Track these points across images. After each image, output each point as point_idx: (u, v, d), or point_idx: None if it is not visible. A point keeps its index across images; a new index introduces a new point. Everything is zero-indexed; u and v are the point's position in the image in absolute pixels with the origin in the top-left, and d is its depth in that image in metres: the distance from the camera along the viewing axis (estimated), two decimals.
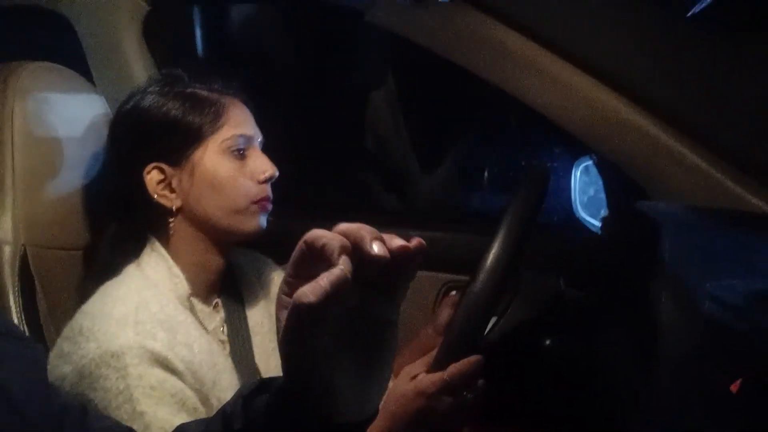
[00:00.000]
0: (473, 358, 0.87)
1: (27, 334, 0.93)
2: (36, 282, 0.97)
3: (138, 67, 1.26)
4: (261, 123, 1.03)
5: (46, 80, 1.07)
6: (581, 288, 1.03)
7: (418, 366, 0.91)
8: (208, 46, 1.54)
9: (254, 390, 0.60)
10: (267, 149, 1.02)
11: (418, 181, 1.68)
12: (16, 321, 0.93)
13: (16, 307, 0.94)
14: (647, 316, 0.81)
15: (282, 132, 1.56)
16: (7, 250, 0.96)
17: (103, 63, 1.27)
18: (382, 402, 0.89)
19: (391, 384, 1.04)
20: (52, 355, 0.88)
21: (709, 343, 0.69)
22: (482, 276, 0.86)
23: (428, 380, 0.87)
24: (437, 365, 0.88)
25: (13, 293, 0.94)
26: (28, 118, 1.01)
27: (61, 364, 0.86)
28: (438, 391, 0.87)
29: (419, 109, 1.65)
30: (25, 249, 0.97)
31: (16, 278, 0.95)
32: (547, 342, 0.96)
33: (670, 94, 1.01)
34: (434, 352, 0.90)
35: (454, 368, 0.87)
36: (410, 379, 0.90)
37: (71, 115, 1.08)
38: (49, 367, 0.87)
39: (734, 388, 0.63)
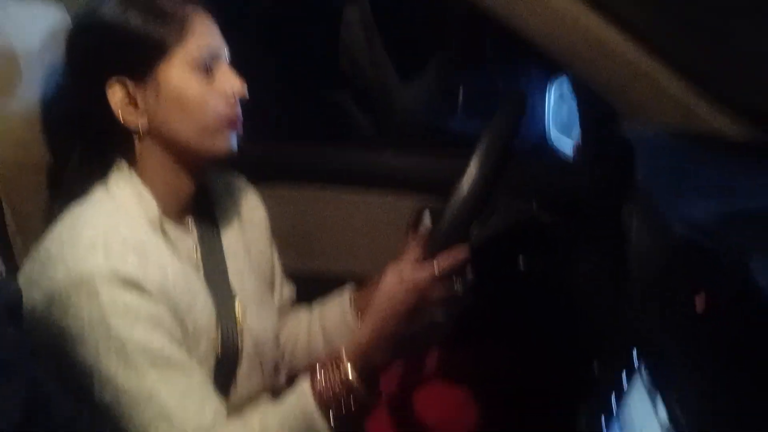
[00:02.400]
0: (461, 248, 0.88)
1: None
2: (3, 201, 0.94)
3: None
4: (232, 39, 0.99)
5: None
6: (553, 211, 1.05)
7: (403, 264, 0.92)
8: None
9: None
10: (238, 67, 0.99)
11: (394, 100, 1.66)
12: None
13: None
14: (619, 238, 0.82)
15: (254, 53, 1.52)
16: None
17: None
18: (371, 303, 0.92)
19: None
20: (21, 281, 0.86)
21: (677, 262, 0.71)
22: (469, 174, 0.88)
23: (419, 272, 0.88)
24: (424, 258, 0.89)
25: None
26: None
27: (30, 289, 0.84)
28: (429, 281, 0.87)
29: (395, 25, 1.62)
30: None
31: None
32: (521, 259, 0.98)
33: (651, 19, 1.00)
34: (417, 251, 0.91)
35: (443, 257, 0.88)
36: (397, 275, 0.90)
37: (30, 27, 1.03)
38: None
39: (699, 305, 0.65)
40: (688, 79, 0.96)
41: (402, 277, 0.89)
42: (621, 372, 0.72)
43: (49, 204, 0.94)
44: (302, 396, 0.89)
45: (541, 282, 1.02)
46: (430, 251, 0.89)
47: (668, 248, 0.73)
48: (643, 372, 0.69)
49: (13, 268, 0.89)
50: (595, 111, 1.12)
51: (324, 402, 0.88)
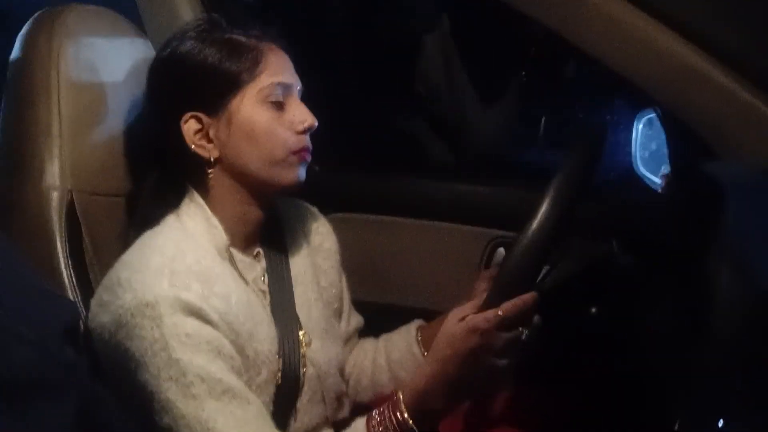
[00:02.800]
0: (529, 295, 0.84)
1: (73, 277, 0.95)
2: (82, 227, 0.98)
3: (186, 12, 1.23)
4: (307, 69, 1.00)
5: (92, 24, 1.06)
6: (635, 250, 0.99)
7: (467, 308, 0.89)
8: None
9: None
10: (313, 97, 1.00)
11: (473, 129, 1.63)
12: (62, 265, 0.94)
13: (62, 252, 0.95)
14: (702, 287, 0.76)
15: (330, 79, 1.53)
16: (55, 195, 0.97)
17: (153, 7, 1.26)
18: (432, 346, 0.89)
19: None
20: (93, 303, 0.89)
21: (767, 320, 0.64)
22: (539, 217, 0.84)
23: (481, 317, 0.84)
24: (490, 304, 0.85)
25: (60, 238, 0.96)
26: (75, 63, 1.01)
27: (100, 313, 0.87)
28: (492, 327, 0.84)
29: (475, 53, 1.59)
30: (71, 194, 0.98)
31: (63, 223, 0.96)
32: (593, 309, 0.92)
33: (747, 44, 0.92)
34: (483, 296, 0.88)
35: (509, 304, 0.84)
36: (459, 320, 0.87)
37: (117, 59, 1.08)
38: (90, 315, 0.89)
39: None
40: None
41: (464, 321, 0.86)
42: None
43: (123, 230, 0.97)
44: None
45: (614, 329, 0.95)
46: (492, 301, 0.85)
47: (757, 304, 0.66)
48: None
49: (89, 293, 0.93)
50: (686, 144, 1.05)
51: None
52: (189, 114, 0.93)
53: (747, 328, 0.67)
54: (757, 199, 0.79)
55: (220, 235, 0.94)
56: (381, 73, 1.62)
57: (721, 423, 0.64)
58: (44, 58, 0.99)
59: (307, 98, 0.99)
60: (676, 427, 0.76)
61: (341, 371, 1.07)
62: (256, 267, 1.00)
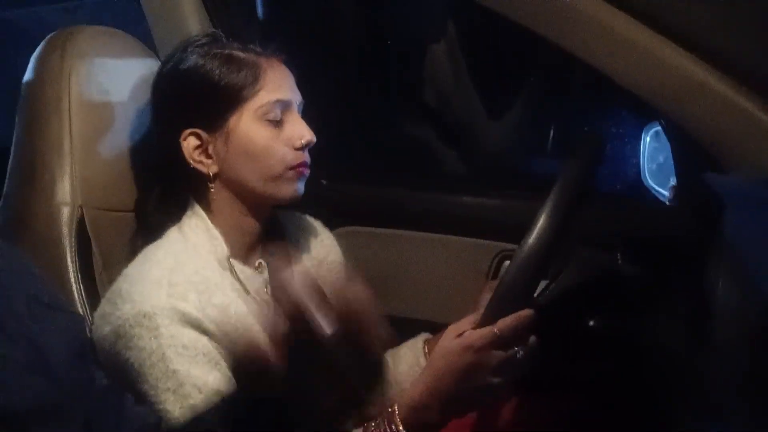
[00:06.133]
0: (525, 312, 0.83)
1: (82, 291, 0.96)
2: (92, 242, 1.01)
3: (195, 31, 1.26)
4: (315, 81, 1.01)
5: (103, 44, 1.09)
6: (639, 262, 0.98)
7: (464, 324, 0.89)
8: (269, 11, 1.52)
9: None
10: (320, 110, 1.01)
11: (481, 138, 1.63)
12: (72, 279, 0.97)
13: (73, 266, 0.97)
14: (704, 298, 0.75)
15: (337, 92, 1.54)
16: (66, 211, 0.99)
17: (164, 28, 1.28)
18: (428, 360, 0.88)
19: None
20: (96, 315, 0.91)
21: (766, 330, 0.64)
22: (535, 233, 0.83)
23: (477, 334, 0.84)
24: (486, 321, 0.85)
25: (71, 253, 0.98)
26: (86, 83, 1.04)
27: (102, 325, 0.89)
28: (487, 344, 0.83)
29: (483, 63, 1.59)
30: (82, 210, 1.01)
31: (73, 238, 0.98)
32: (591, 322, 0.91)
33: (748, 54, 0.92)
34: (481, 311, 0.87)
35: (504, 321, 0.83)
36: (456, 335, 0.87)
37: (127, 79, 1.10)
38: (93, 327, 0.91)
39: None
40: None
41: (461, 337, 0.86)
42: None
43: (130, 244, 0.99)
44: None
45: (615, 340, 0.94)
46: (488, 318, 0.84)
47: (756, 314, 0.66)
48: None
49: (97, 305, 0.94)
50: (691, 156, 1.05)
51: None
52: (188, 131, 0.95)
53: (745, 338, 0.66)
54: (755, 210, 0.79)
55: (221, 246, 0.96)
56: (389, 84, 1.63)
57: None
58: (56, 77, 1.02)
59: (314, 111, 1.00)
60: None
61: None
62: (258, 278, 1.01)
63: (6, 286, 0.64)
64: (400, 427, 0.85)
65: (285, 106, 0.97)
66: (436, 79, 1.61)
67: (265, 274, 1.02)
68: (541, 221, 0.83)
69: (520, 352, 0.84)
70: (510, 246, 1.28)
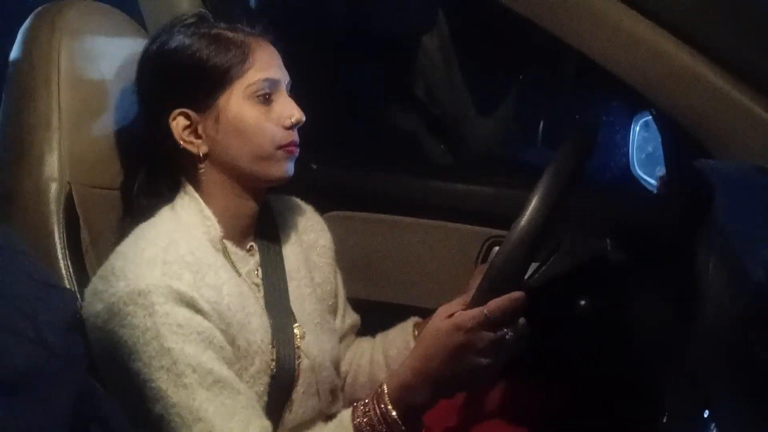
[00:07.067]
0: (515, 294, 0.84)
1: (70, 268, 0.96)
2: (80, 218, 1.00)
3: (185, 9, 1.24)
4: (305, 67, 1.00)
5: (92, 20, 1.08)
6: (628, 249, 0.99)
7: (455, 305, 0.89)
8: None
9: None
10: (310, 95, 1.00)
11: (471, 129, 1.64)
12: (60, 255, 0.96)
13: (60, 242, 0.96)
14: (692, 282, 0.76)
15: (328, 77, 1.54)
16: (54, 187, 0.98)
17: (153, 3, 1.27)
18: (418, 340, 0.88)
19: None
20: (88, 292, 0.90)
21: (755, 313, 0.65)
22: (527, 214, 0.83)
23: (467, 315, 0.84)
24: (476, 302, 0.85)
25: (58, 229, 0.97)
26: (75, 58, 1.02)
27: (94, 302, 0.88)
28: (477, 325, 0.83)
29: (474, 53, 1.59)
30: (70, 187, 1.00)
31: (62, 215, 0.98)
32: (582, 302, 0.92)
33: (740, 45, 0.93)
34: (472, 292, 0.88)
35: (494, 303, 0.83)
36: (446, 316, 0.87)
37: (117, 54, 1.09)
38: (84, 303, 0.90)
39: None
40: None
41: (450, 317, 0.86)
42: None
43: (118, 222, 0.98)
44: (341, 428, 0.88)
45: (604, 323, 0.95)
46: (479, 299, 0.84)
47: (745, 296, 0.67)
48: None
49: (85, 283, 0.93)
50: (680, 145, 1.06)
51: None
52: (177, 111, 0.94)
53: (734, 322, 0.67)
54: (745, 194, 0.79)
55: (214, 227, 0.95)
56: (379, 73, 1.63)
57: (706, 414, 0.64)
58: (45, 52, 1.01)
59: (304, 96, 1.00)
60: (664, 419, 0.76)
61: (336, 366, 1.08)
62: (249, 260, 1.01)
63: (9, 263, 0.64)
64: (390, 407, 0.86)
65: (273, 84, 0.96)
66: (427, 71, 1.61)
67: (257, 256, 1.02)
68: (533, 203, 0.83)
69: (510, 334, 0.84)
70: (499, 232, 1.29)
